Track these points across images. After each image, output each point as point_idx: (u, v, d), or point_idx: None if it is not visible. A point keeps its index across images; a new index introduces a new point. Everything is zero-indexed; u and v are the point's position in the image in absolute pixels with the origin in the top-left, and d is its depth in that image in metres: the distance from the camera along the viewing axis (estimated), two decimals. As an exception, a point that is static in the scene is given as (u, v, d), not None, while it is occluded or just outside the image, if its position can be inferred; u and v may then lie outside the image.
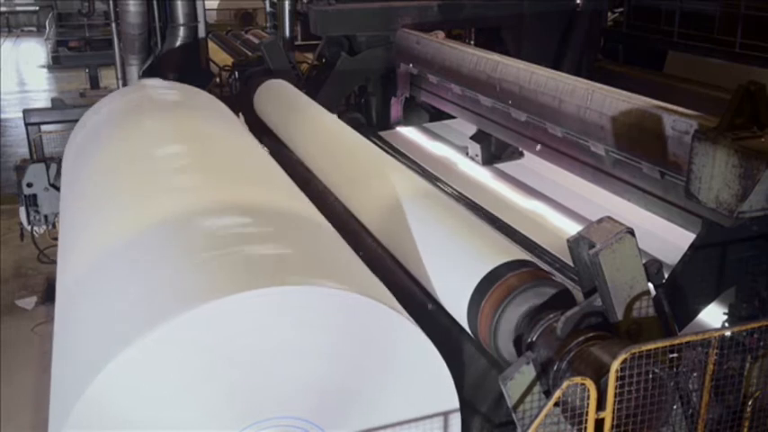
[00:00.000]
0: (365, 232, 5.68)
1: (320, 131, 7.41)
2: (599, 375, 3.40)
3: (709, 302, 4.93)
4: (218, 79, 13.55)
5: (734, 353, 3.65)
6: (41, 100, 20.69)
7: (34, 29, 34.69)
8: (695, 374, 3.64)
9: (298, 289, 3.58)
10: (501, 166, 8.62)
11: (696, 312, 4.89)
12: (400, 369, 3.79)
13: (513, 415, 3.75)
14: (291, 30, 14.17)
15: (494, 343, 4.12)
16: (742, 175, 4.34)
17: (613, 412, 3.39)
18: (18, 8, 36.05)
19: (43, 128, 10.31)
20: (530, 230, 6.53)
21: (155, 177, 5.31)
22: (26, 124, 10.39)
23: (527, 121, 7.52)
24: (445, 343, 4.18)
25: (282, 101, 8.78)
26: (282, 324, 3.55)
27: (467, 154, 8.96)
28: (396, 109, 10.54)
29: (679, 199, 5.52)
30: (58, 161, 8.79)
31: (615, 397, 3.37)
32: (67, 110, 10.52)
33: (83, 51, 23.90)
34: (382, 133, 10.01)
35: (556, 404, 3.42)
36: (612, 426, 3.41)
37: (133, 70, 13.84)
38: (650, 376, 3.43)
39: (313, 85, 10.30)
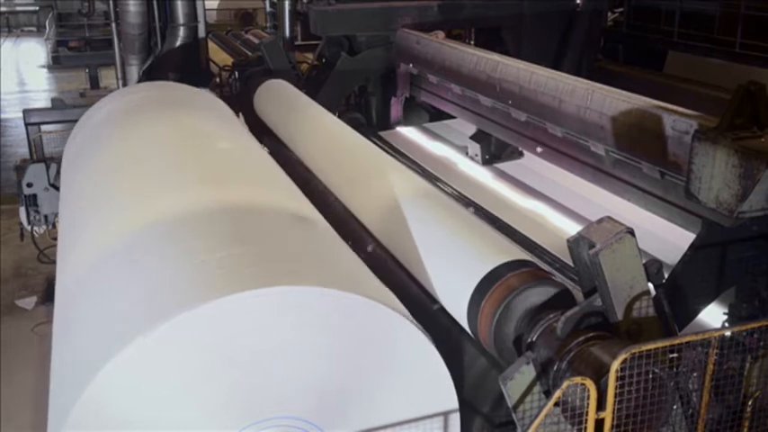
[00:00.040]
0: (365, 232, 5.68)
1: (320, 131, 7.41)
2: (599, 375, 3.40)
3: (709, 302, 4.92)
4: (218, 79, 13.54)
5: (734, 353, 3.65)
6: (41, 100, 20.69)
7: (34, 29, 34.69)
8: (695, 374, 3.64)
9: (297, 289, 3.58)
10: (501, 165, 8.62)
11: (696, 312, 4.89)
12: (399, 369, 3.79)
13: (513, 415, 3.75)
14: (291, 30, 14.17)
15: (494, 343, 4.12)
16: (742, 175, 4.34)
17: (613, 412, 3.39)
18: (18, 8, 36.05)
19: (43, 128, 10.32)
20: (530, 230, 6.52)
21: (154, 177, 5.30)
22: (26, 124, 10.40)
23: (527, 121, 7.52)
24: (445, 343, 4.18)
25: (282, 101, 8.78)
26: (282, 324, 3.55)
27: (466, 154, 8.96)
28: (396, 109, 10.54)
29: (679, 199, 5.52)
30: (58, 161, 8.79)
31: (615, 397, 3.37)
32: (67, 110, 10.53)
33: (83, 51, 23.91)
34: (382, 133, 10.01)
35: (556, 404, 3.42)
36: (612, 426, 3.41)
37: (133, 70, 13.85)
38: (650, 376, 3.43)
39: (313, 85, 10.30)
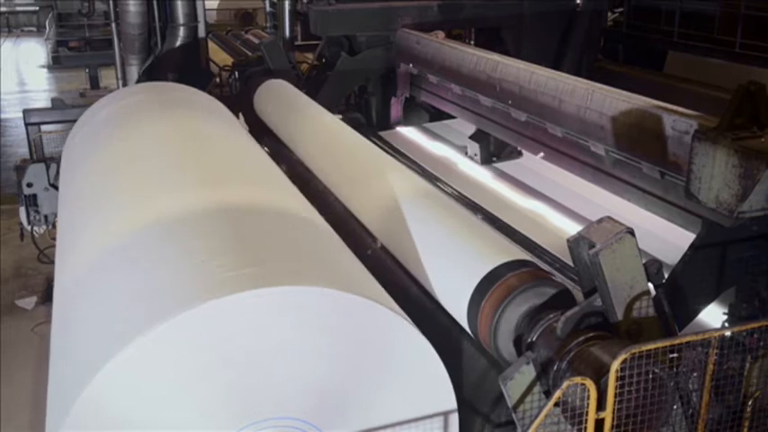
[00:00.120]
0: (365, 232, 5.68)
1: (320, 131, 7.41)
2: (599, 375, 3.40)
3: (709, 302, 4.92)
4: (218, 79, 13.54)
5: (734, 353, 3.65)
6: (41, 100, 20.69)
7: (34, 29, 34.70)
8: (695, 374, 3.64)
9: (296, 289, 3.58)
10: (500, 165, 8.62)
11: (696, 312, 4.89)
12: (398, 369, 3.79)
13: (513, 415, 3.75)
14: (291, 30, 14.17)
15: (494, 343, 4.12)
16: (742, 175, 4.34)
17: (613, 412, 3.39)
18: (18, 8, 36.05)
19: (43, 128, 10.32)
20: (530, 230, 6.52)
21: (153, 177, 5.30)
22: (26, 124, 10.40)
23: (527, 121, 7.52)
24: (445, 343, 4.18)
25: (282, 101, 8.78)
26: (280, 324, 3.54)
27: (465, 153, 8.96)
28: (396, 109, 10.54)
29: (679, 199, 5.52)
30: (58, 161, 8.79)
31: (615, 397, 3.37)
32: (67, 110, 10.53)
33: (83, 51, 23.92)
34: (382, 133, 10.00)
35: (556, 404, 3.42)
36: (612, 426, 3.41)
37: (133, 70, 13.84)
38: (650, 376, 3.43)
39: (313, 85, 10.30)
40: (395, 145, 9.42)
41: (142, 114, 7.04)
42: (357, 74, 10.40)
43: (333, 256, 4.39)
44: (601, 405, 3.37)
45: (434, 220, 4.98)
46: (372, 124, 10.49)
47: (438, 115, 10.27)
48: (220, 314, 3.42)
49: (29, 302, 9.69)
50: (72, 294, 4.30)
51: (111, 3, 14.55)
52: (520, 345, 4.01)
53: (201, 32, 13.97)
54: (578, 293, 4.07)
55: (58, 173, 8.91)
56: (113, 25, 14.71)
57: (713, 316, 4.95)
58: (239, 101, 10.03)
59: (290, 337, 3.56)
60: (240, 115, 9.42)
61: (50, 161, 9.39)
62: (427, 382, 3.86)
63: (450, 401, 3.93)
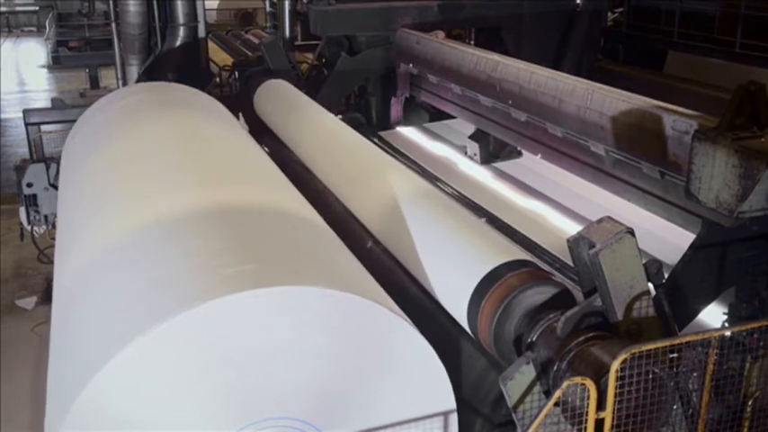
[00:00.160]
0: (365, 232, 5.68)
1: (320, 131, 7.41)
2: (599, 375, 3.40)
3: (709, 302, 4.92)
4: (218, 79, 13.54)
5: (734, 353, 3.65)
6: (41, 100, 20.68)
7: (34, 29, 34.68)
8: (695, 374, 3.63)
9: (295, 289, 3.58)
10: (500, 165, 8.62)
11: (696, 312, 4.89)
12: (397, 370, 3.79)
13: (513, 415, 3.75)
14: (291, 30, 14.17)
15: (494, 343, 4.12)
16: (742, 175, 4.34)
17: (613, 412, 3.39)
18: (18, 8, 36.04)
19: (43, 128, 10.32)
20: (530, 230, 6.52)
21: (152, 177, 5.30)
22: (26, 124, 10.40)
23: (527, 121, 7.52)
24: (445, 343, 4.18)
25: (282, 101, 8.77)
26: (280, 324, 3.54)
27: (465, 153, 8.96)
28: (396, 109, 10.54)
29: (679, 199, 5.52)
30: (58, 161, 8.79)
31: (615, 397, 3.37)
32: (67, 110, 10.53)
33: (83, 51, 23.90)
34: (382, 133, 10.01)
35: (556, 404, 3.42)
36: (612, 426, 3.41)
37: (133, 70, 13.83)
38: (650, 376, 3.43)
39: (313, 85, 10.30)
40: (395, 145, 9.43)
41: (142, 114, 7.03)
42: (357, 74, 10.40)
43: (332, 257, 4.39)
44: (601, 405, 3.36)
45: (434, 220, 4.98)
46: (372, 124, 10.49)
47: (438, 115, 10.28)
48: (220, 314, 3.42)
49: (29, 302, 9.69)
50: (72, 294, 4.29)
51: (111, 3, 14.54)
52: (520, 345, 4.01)
53: (201, 32, 13.96)
54: (578, 293, 4.07)
55: (57, 173, 8.91)
56: (113, 25, 14.70)
57: (713, 316, 4.95)
58: (239, 101, 10.03)
59: (289, 338, 3.56)
60: (240, 115, 9.42)
61: (50, 161, 9.39)
62: (426, 383, 3.86)
63: (450, 401, 3.93)
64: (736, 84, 4.60)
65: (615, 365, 3.32)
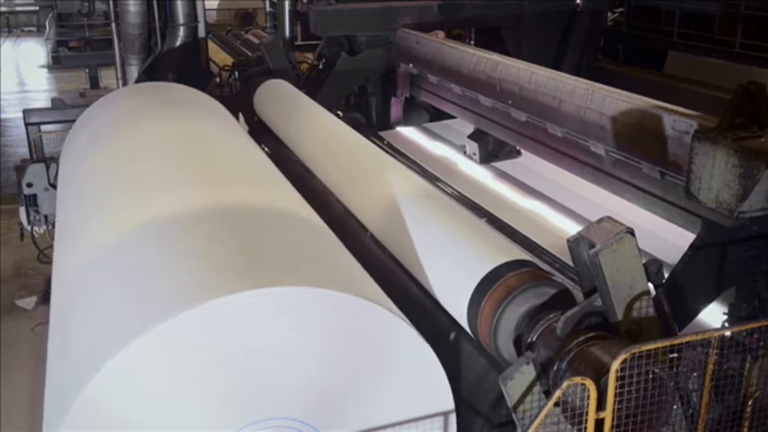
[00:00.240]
0: (365, 232, 5.68)
1: (320, 131, 7.41)
2: (599, 375, 3.40)
3: (709, 302, 4.92)
4: (218, 79, 13.54)
5: (734, 353, 3.64)
6: (41, 100, 20.68)
7: (34, 29, 34.68)
8: (695, 374, 3.63)
9: (294, 290, 3.58)
10: (500, 165, 8.62)
11: (696, 312, 4.89)
12: (396, 370, 3.79)
13: (513, 415, 3.75)
14: (291, 30, 14.17)
15: (494, 343, 4.12)
16: (742, 175, 4.34)
17: (613, 412, 3.39)
18: (18, 8, 36.03)
19: (43, 128, 10.31)
20: (530, 230, 6.52)
21: (152, 177, 5.30)
22: (26, 124, 10.40)
23: (527, 121, 7.52)
24: (445, 343, 4.18)
25: (282, 101, 8.77)
26: (279, 325, 3.54)
27: (464, 153, 8.96)
28: (396, 109, 10.54)
29: (679, 199, 5.51)
30: (58, 161, 8.79)
31: (615, 397, 3.37)
32: (67, 110, 10.52)
33: (83, 51, 23.90)
34: (382, 133, 10.00)
35: (556, 404, 3.42)
36: (612, 426, 3.41)
37: (133, 70, 13.83)
38: (650, 376, 3.43)
39: (313, 85, 10.29)
40: (395, 145, 9.42)
41: (142, 114, 7.03)
42: (357, 74, 10.39)
43: (332, 257, 4.39)
44: (601, 405, 3.36)
45: (434, 219, 4.98)
46: (372, 124, 10.49)
47: (438, 115, 10.27)
48: (220, 314, 3.42)
49: (29, 302, 9.69)
50: (71, 294, 4.29)
51: (111, 3, 14.55)
52: (520, 345, 4.01)
53: (201, 32, 13.96)
54: (578, 293, 4.07)
55: (57, 173, 8.91)
56: (113, 25, 14.71)
57: (713, 316, 4.95)
58: (239, 101, 10.03)
59: (288, 338, 3.56)
60: (240, 115, 9.42)
61: (50, 161, 9.39)
62: (425, 383, 3.86)
63: (448, 402, 3.93)
64: (736, 84, 4.59)
65: (615, 365, 3.31)
